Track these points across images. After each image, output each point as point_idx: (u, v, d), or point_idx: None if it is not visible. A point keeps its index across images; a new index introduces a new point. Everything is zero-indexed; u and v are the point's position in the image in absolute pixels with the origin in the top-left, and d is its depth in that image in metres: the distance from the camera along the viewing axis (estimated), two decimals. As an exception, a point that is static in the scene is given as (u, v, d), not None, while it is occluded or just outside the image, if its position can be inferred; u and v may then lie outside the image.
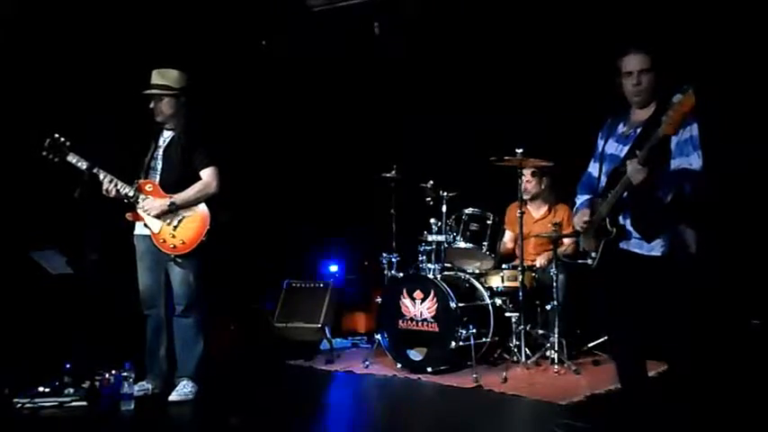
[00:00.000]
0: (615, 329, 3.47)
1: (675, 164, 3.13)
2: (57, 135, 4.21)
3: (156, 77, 4.31)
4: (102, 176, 4.26)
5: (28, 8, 5.11)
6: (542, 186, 5.62)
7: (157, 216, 4.26)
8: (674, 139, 3.09)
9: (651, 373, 3.52)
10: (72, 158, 4.22)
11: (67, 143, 4.22)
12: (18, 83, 5.06)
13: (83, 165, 4.22)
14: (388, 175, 5.72)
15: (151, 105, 4.31)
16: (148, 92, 4.30)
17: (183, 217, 4.29)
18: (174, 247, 4.26)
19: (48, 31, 5.21)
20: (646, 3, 5.27)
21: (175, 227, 4.27)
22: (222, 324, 5.80)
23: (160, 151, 4.39)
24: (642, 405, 3.31)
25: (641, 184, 3.07)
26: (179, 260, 4.27)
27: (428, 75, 6.45)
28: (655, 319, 3.21)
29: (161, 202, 4.26)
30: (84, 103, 5.23)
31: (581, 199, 3.56)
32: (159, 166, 4.37)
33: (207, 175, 4.33)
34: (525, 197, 5.55)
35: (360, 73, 6.74)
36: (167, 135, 4.41)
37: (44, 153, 4.18)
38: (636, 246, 3.23)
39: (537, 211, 5.70)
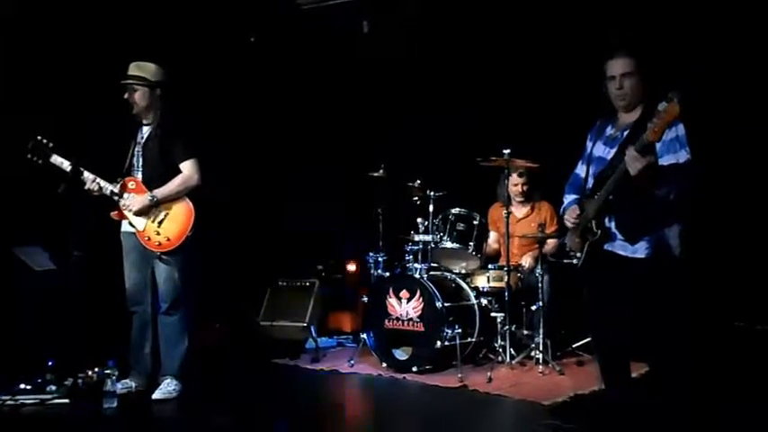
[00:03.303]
0: (599, 330, 3.49)
1: (664, 161, 3.14)
2: (39, 137, 4.20)
3: (133, 69, 4.29)
4: (84, 175, 4.24)
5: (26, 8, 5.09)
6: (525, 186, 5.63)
7: (139, 213, 4.23)
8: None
9: (634, 374, 3.54)
10: (55, 160, 4.22)
11: (50, 144, 4.21)
12: (5, 80, 5.02)
13: (66, 165, 4.21)
14: (375, 174, 5.70)
15: (125, 96, 4.28)
16: (123, 82, 4.27)
17: (167, 213, 4.26)
18: (160, 244, 4.24)
19: (38, 30, 5.18)
20: (633, 5, 5.30)
21: (160, 223, 4.25)
22: (207, 322, 5.77)
23: (139, 147, 4.36)
24: (625, 406, 3.33)
25: (639, 175, 2.99)
26: (165, 257, 4.25)
27: (416, 75, 6.44)
28: (638, 321, 3.23)
29: (141, 198, 4.24)
30: (74, 101, 5.19)
31: (569, 198, 3.57)
32: (140, 163, 4.35)
33: (187, 167, 4.30)
34: (518, 199, 5.57)
35: (347, 72, 6.73)
36: (146, 131, 4.38)
37: (28, 156, 4.18)
38: (620, 248, 3.25)
39: (519, 210, 5.70)
